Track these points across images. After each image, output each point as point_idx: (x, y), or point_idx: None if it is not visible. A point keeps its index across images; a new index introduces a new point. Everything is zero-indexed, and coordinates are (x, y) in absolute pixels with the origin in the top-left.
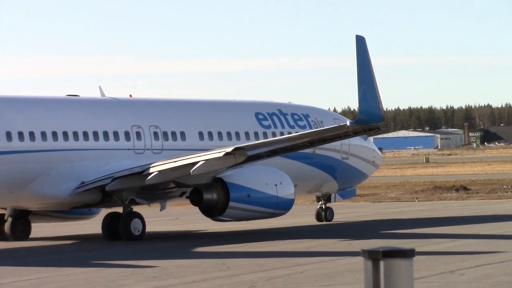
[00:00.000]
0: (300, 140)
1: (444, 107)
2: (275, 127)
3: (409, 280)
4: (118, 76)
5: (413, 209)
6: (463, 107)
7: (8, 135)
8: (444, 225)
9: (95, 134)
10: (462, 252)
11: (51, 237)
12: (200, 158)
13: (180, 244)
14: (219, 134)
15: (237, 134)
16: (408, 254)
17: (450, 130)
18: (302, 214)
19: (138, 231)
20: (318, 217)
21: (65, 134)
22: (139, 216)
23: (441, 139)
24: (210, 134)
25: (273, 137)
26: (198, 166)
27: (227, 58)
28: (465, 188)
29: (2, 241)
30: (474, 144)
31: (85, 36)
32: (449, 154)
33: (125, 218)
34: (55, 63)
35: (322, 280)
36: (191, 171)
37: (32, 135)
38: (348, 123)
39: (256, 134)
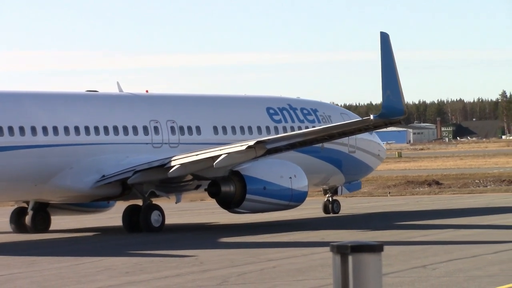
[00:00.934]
0: (323, 133)
1: (417, 102)
2: (286, 121)
3: (377, 275)
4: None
5: (386, 204)
6: (436, 102)
7: (33, 130)
8: (416, 219)
9: (115, 128)
10: (435, 247)
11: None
12: (222, 151)
13: (156, 239)
14: (233, 128)
15: (249, 128)
16: (376, 248)
17: (422, 124)
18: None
19: (158, 223)
20: (325, 209)
21: (86, 129)
22: (158, 208)
23: (414, 133)
24: (224, 128)
25: (284, 131)
26: (221, 159)
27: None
28: (437, 183)
29: (23, 233)
30: (447, 139)
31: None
32: (422, 149)
33: (145, 210)
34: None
35: (295, 275)
36: (214, 164)
37: (55, 129)
38: (371, 117)
39: (267, 128)
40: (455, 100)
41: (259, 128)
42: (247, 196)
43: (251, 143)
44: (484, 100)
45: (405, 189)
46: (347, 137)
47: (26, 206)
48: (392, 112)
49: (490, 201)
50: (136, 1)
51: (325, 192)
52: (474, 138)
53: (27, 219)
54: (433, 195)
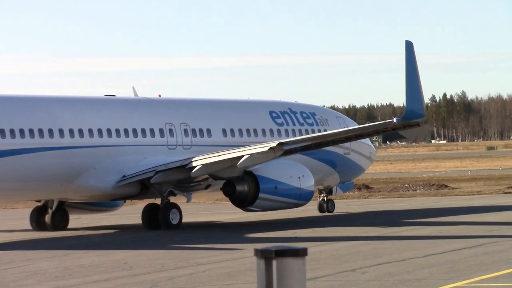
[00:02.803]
0: (345, 135)
1: (347, 106)
2: (287, 124)
3: (301, 279)
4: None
5: (315, 208)
6: (365, 106)
7: (61, 132)
8: (345, 224)
9: (134, 131)
10: (364, 251)
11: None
12: (245, 152)
13: (88, 242)
14: (240, 131)
15: (255, 131)
16: (300, 253)
17: None
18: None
19: (176, 221)
20: (320, 208)
21: (108, 131)
22: (176, 206)
23: None
24: (232, 131)
25: (285, 133)
26: (244, 160)
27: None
28: (367, 187)
29: (42, 231)
30: (377, 143)
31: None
32: None
33: (164, 209)
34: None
35: (225, 279)
36: (238, 164)
37: (80, 132)
38: (395, 120)
39: (271, 131)
40: (385, 104)
41: (263, 131)
42: (260, 195)
43: (273, 144)
44: None
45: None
46: None
47: (41, 205)
48: (414, 115)
49: (419, 205)
50: (133, 4)
51: (320, 192)
52: (403, 143)
53: (47, 217)
54: (363, 199)
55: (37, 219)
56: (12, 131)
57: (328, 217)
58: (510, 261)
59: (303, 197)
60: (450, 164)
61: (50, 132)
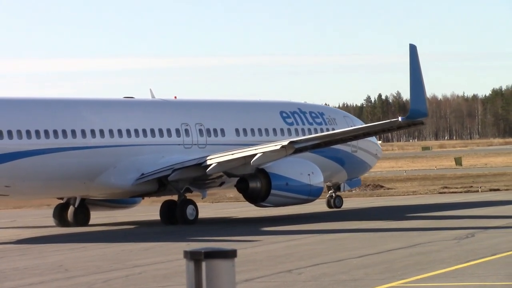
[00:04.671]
0: (353, 133)
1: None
2: (297, 124)
3: (231, 281)
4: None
5: (252, 209)
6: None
7: (83, 133)
8: (282, 224)
9: (152, 131)
10: (301, 251)
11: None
12: (258, 150)
13: (24, 247)
14: (252, 130)
15: (266, 130)
16: (229, 254)
17: None
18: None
19: (193, 216)
20: (329, 204)
21: (128, 131)
22: (192, 202)
23: None
24: (244, 130)
25: (295, 132)
26: (257, 158)
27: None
28: None
29: (65, 227)
30: None
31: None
32: None
33: (181, 205)
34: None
35: (160, 281)
36: (251, 161)
37: (101, 132)
38: (400, 118)
39: (281, 130)
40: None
41: (274, 130)
42: (272, 191)
43: (285, 143)
44: (349, 105)
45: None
46: None
47: (64, 202)
48: (418, 114)
49: (355, 205)
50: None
51: (329, 188)
52: None
53: (69, 214)
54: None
55: (60, 215)
56: (37, 132)
57: (263, 219)
58: (445, 261)
59: (313, 193)
60: (386, 164)
61: (73, 132)
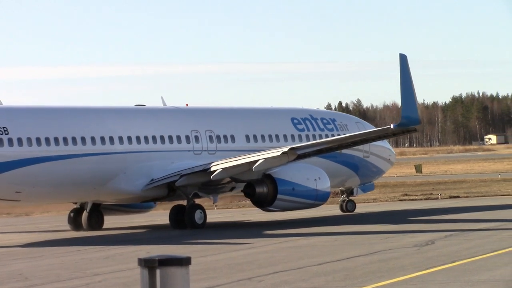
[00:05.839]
0: (349, 140)
1: None
2: (308, 130)
3: None
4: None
5: (212, 216)
6: None
7: (93, 140)
8: (242, 232)
9: (162, 138)
10: (261, 259)
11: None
12: (260, 157)
13: None
14: (262, 137)
15: (276, 136)
16: (184, 262)
17: None
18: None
19: (201, 221)
20: (342, 208)
21: (137, 138)
22: (201, 207)
23: None
24: (254, 137)
25: (306, 139)
26: (259, 164)
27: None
28: None
29: (79, 231)
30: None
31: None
32: None
33: (189, 210)
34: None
35: None
36: (253, 167)
37: (111, 139)
38: (392, 126)
39: (292, 136)
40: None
41: (285, 136)
42: (278, 196)
43: (285, 149)
44: None
45: (231, 202)
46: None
47: (78, 207)
48: (409, 121)
49: (314, 213)
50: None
51: (342, 192)
52: None
53: (83, 218)
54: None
55: (74, 220)
56: (47, 139)
57: (224, 224)
58: (406, 268)
59: (320, 198)
60: None
61: (83, 140)
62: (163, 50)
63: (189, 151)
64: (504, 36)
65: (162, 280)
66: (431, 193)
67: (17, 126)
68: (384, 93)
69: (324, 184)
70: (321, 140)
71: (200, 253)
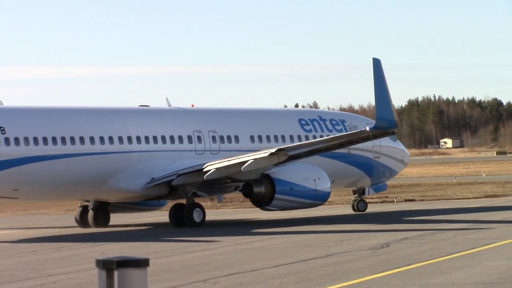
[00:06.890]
0: (331, 142)
1: None
2: (316, 131)
3: None
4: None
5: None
6: None
7: (92, 140)
8: (198, 233)
9: (163, 138)
10: (216, 261)
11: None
12: (249, 157)
13: None
14: (267, 137)
15: (282, 137)
16: (141, 264)
17: None
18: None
19: (199, 219)
20: (353, 208)
21: (138, 138)
22: (200, 206)
23: None
24: (259, 137)
25: (313, 139)
26: (248, 164)
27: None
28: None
29: (85, 228)
30: None
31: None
32: None
33: (188, 208)
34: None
35: None
36: (242, 168)
37: (111, 139)
38: (367, 128)
39: (299, 137)
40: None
41: (291, 137)
42: (276, 195)
43: (273, 150)
44: None
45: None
46: (371, 144)
47: (86, 204)
48: (385, 124)
49: (270, 215)
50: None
51: (354, 192)
52: None
53: (89, 216)
54: (215, 209)
55: (82, 218)
56: (54, 139)
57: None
58: (361, 271)
59: (319, 198)
60: None
61: (81, 139)
62: (165, 51)
63: (191, 151)
64: (460, 40)
65: (120, 282)
66: (387, 196)
67: (14, 126)
68: (340, 95)
69: (324, 184)
70: (306, 142)
71: (155, 254)
